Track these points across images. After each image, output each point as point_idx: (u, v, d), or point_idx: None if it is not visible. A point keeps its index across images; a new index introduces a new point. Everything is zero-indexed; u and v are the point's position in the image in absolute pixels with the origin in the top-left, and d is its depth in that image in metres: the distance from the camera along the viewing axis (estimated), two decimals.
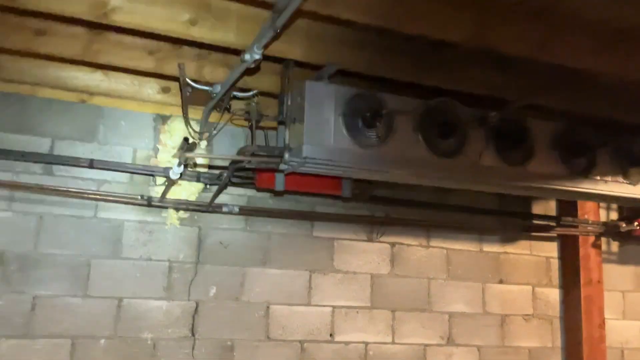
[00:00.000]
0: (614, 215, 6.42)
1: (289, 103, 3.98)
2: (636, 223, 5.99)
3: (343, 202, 5.32)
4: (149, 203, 4.63)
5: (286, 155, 3.89)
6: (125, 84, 4.57)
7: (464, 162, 4.34)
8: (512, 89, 4.32)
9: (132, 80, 4.54)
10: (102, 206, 4.64)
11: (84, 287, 4.48)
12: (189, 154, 3.89)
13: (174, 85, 4.67)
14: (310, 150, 3.90)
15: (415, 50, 4.02)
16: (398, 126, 4.13)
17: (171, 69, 4.03)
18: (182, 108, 4.34)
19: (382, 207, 5.45)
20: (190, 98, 4.11)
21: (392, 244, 5.54)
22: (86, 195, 4.50)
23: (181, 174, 3.98)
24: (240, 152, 4.07)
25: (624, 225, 5.94)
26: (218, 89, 4.04)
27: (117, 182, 4.71)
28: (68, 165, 4.49)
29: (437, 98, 4.29)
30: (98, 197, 4.55)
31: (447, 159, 4.27)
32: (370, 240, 5.50)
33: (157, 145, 4.88)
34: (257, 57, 3.11)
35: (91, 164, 4.47)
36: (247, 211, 4.94)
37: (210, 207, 4.75)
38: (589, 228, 6.06)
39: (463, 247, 5.80)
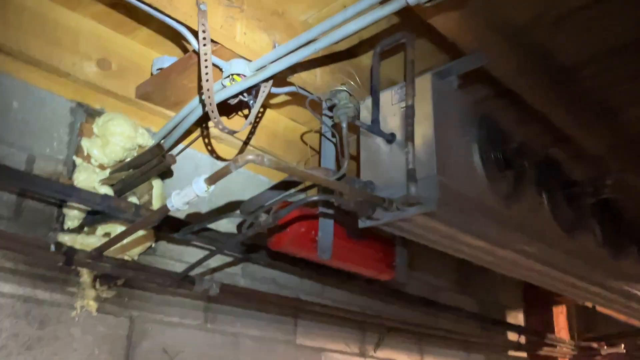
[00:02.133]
0: None
1: (410, 104, 2.26)
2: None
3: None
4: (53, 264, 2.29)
5: (412, 189, 2.12)
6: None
7: (586, 242, 3.03)
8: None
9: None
10: None
11: None
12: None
13: (124, 58, 2.66)
14: (447, 186, 2.21)
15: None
16: (526, 176, 2.68)
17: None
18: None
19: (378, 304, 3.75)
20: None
21: None
22: None
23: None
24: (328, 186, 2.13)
25: (605, 347, 5.06)
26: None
27: None
28: None
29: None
30: None
31: (570, 236, 2.90)
32: (363, 355, 3.69)
33: (75, 156, 2.61)
34: None
35: None
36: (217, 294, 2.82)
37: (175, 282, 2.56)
38: (564, 349, 5.07)
39: None
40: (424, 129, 2.29)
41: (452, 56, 2.61)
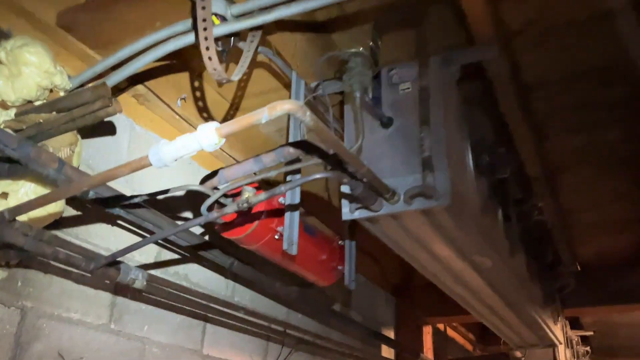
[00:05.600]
0: None
1: (424, 84, 1.98)
2: None
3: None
4: None
5: (429, 179, 1.83)
6: None
7: (520, 263, 2.97)
8: None
9: None
10: None
11: None
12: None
13: None
14: (453, 182, 1.96)
15: None
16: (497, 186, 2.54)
17: None
18: None
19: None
20: None
21: None
22: None
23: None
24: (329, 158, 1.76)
25: None
26: None
27: None
28: None
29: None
30: None
31: (511, 255, 2.82)
32: None
33: None
34: None
35: None
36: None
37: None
38: None
39: None
40: (427, 113, 2.03)
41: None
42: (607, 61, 2.63)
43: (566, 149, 3.27)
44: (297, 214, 2.18)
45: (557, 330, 4.35)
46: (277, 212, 2.21)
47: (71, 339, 2.13)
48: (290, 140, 2.20)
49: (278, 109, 1.36)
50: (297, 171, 2.14)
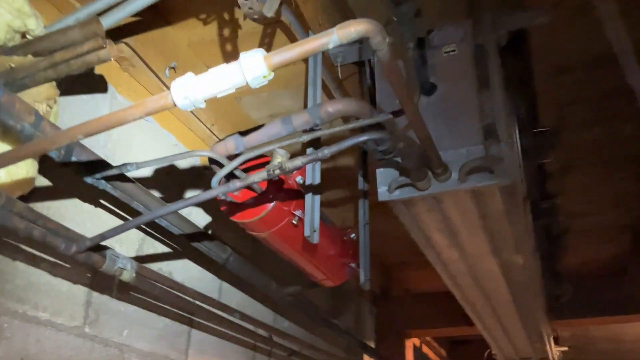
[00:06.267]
0: None
1: (480, 42, 1.69)
2: None
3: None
4: None
5: (493, 149, 1.53)
6: None
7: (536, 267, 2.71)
8: None
9: None
10: None
11: None
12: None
13: None
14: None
15: None
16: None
17: None
18: None
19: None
20: None
21: None
22: None
23: None
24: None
25: None
26: None
27: None
28: None
29: None
30: None
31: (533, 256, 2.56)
32: None
33: None
34: None
35: None
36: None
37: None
38: None
39: None
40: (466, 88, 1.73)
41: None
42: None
43: (580, 144, 3.06)
44: (318, 197, 1.84)
45: (551, 342, 4.14)
46: (294, 194, 1.86)
47: (38, 344, 1.71)
48: (309, 103, 1.85)
49: (352, 30, 1.05)
50: (316, 142, 1.79)
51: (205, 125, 2.70)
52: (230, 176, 1.59)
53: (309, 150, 1.78)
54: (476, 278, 2.49)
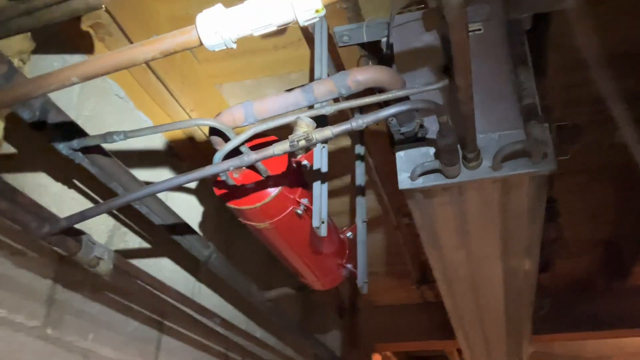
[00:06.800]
0: None
1: (515, 17, 1.54)
2: None
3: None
4: None
5: (536, 132, 1.37)
6: None
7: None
8: None
9: None
10: None
11: None
12: None
13: None
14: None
15: None
16: None
17: None
18: None
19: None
20: None
21: None
22: None
23: None
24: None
25: None
26: None
27: None
28: None
29: None
30: None
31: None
32: None
33: None
34: None
35: None
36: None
37: None
38: None
39: None
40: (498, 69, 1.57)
41: None
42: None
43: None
44: (326, 184, 1.63)
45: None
46: (299, 180, 1.65)
47: None
48: (316, 76, 1.64)
49: None
50: (323, 120, 1.58)
51: (184, 109, 2.45)
52: (234, 153, 1.37)
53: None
54: (473, 285, 2.33)
